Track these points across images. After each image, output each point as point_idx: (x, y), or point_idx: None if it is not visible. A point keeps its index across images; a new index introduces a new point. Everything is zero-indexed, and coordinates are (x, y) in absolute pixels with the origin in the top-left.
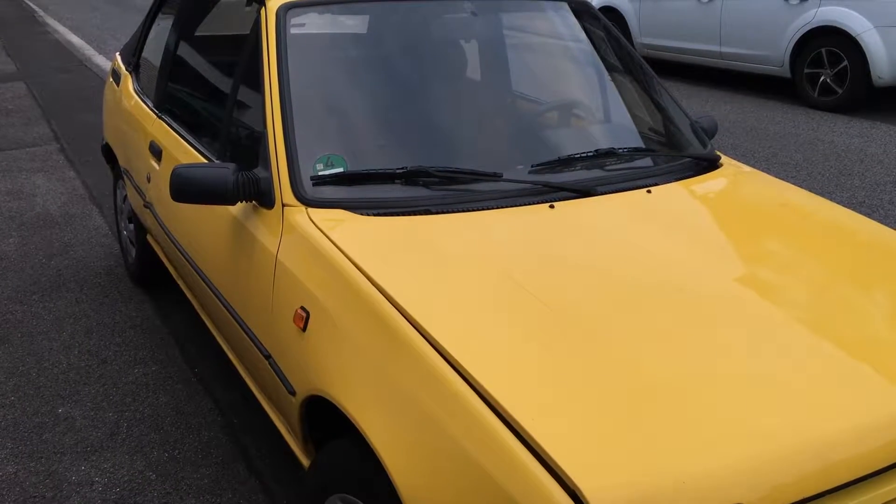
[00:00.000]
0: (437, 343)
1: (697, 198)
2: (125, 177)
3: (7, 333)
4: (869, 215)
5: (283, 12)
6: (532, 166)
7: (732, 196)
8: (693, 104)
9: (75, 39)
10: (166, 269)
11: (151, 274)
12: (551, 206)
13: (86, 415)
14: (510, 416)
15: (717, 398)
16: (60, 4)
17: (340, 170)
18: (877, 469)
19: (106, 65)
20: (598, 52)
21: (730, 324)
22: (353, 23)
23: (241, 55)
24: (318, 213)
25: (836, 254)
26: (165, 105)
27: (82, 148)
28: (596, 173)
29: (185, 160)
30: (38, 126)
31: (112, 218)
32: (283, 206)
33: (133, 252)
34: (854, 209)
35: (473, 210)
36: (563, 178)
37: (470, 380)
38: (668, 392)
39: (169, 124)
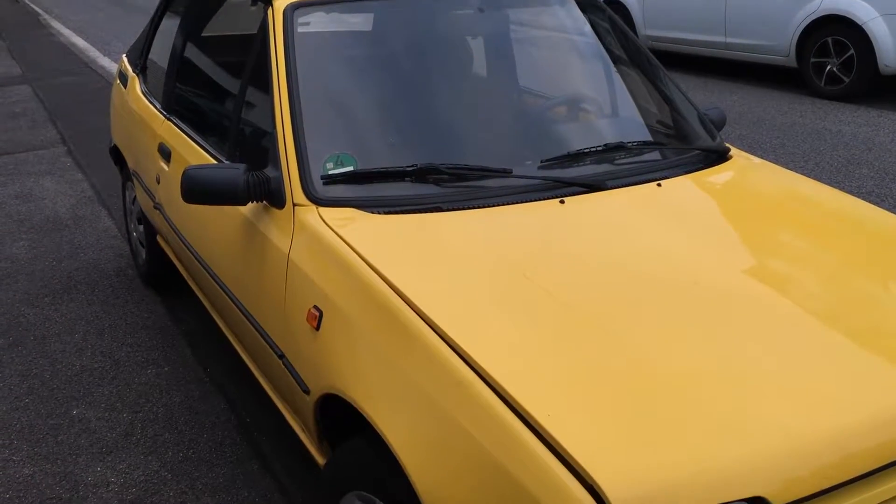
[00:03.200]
0: (451, 339)
1: (708, 190)
2: (134, 178)
3: (20, 336)
4: (878, 204)
5: (290, 11)
6: (541, 161)
7: (743, 188)
8: (699, 95)
9: (79, 41)
10: (177, 269)
11: (162, 275)
12: (562, 202)
13: (100, 416)
14: (526, 411)
15: (732, 391)
16: (64, 7)
17: (350, 168)
18: (894, 460)
19: (110, 66)
20: (605, 45)
21: (744, 316)
22: (357, 20)
23: (249, 55)
24: (329, 212)
25: (848, 244)
26: (173, 106)
27: (89, 150)
28: (605, 167)
29: (194, 161)
30: (45, 129)
31: (121, 219)
32: (294, 205)
33: (143, 253)
34: (863, 198)
35: (484, 206)
36: (573, 172)
37: (484, 376)
38: (683, 386)
39: (177, 125)
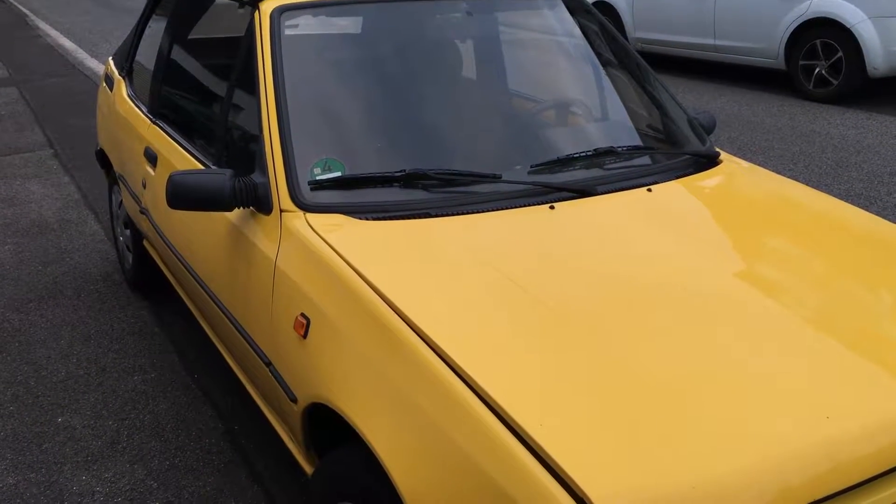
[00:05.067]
0: (440, 348)
1: (698, 195)
2: (120, 182)
3: (4, 342)
4: (866, 207)
5: (277, 15)
6: (531, 167)
7: (733, 193)
8: (688, 98)
9: (67, 43)
10: (164, 275)
11: (149, 280)
12: (551, 207)
13: (86, 423)
14: (514, 421)
15: (723, 400)
16: (51, 8)
17: (338, 174)
18: (888, 468)
19: (98, 68)
20: (594, 48)
21: (735, 323)
22: (346, 23)
23: (236, 58)
24: (317, 219)
25: (838, 250)
26: (160, 110)
27: (76, 153)
28: (595, 172)
29: (180, 166)
30: (32, 131)
31: (108, 223)
32: (281, 211)
33: (130, 258)
34: (851, 201)
35: (473, 212)
36: (563, 178)
37: (473, 385)
38: (674, 395)
39: (164, 129)
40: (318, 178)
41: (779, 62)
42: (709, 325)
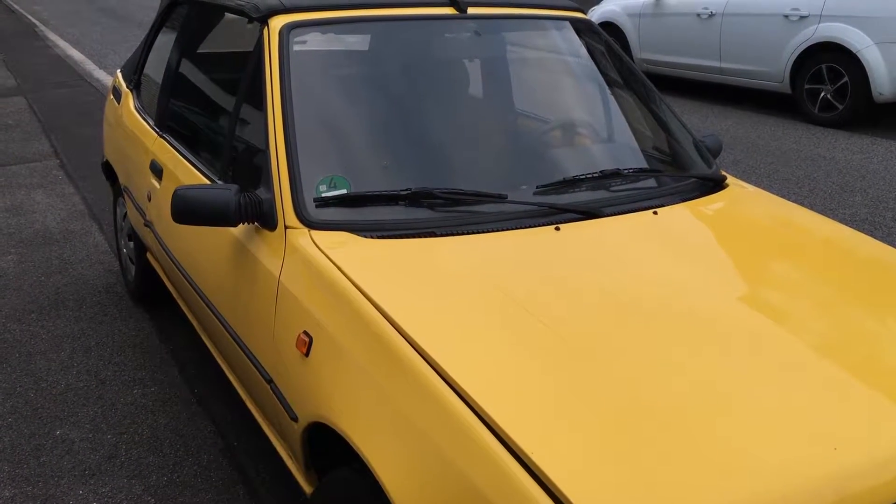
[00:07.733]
0: (442, 370)
1: (704, 219)
2: (125, 194)
3: (5, 353)
4: (871, 232)
5: (286, 31)
6: (537, 187)
7: (739, 217)
8: (693, 120)
9: (75, 54)
10: (166, 287)
11: (151, 292)
12: (557, 229)
13: (84, 437)
14: (516, 444)
15: (727, 429)
16: (61, 19)
17: (344, 191)
18: (895, 501)
19: (106, 79)
20: (601, 69)
21: (741, 350)
22: (354, 40)
23: (244, 74)
24: (322, 236)
25: (844, 276)
26: (167, 123)
27: (82, 163)
28: (601, 194)
29: (186, 180)
30: (38, 141)
31: (112, 235)
32: (286, 228)
33: (133, 270)
34: (856, 226)
35: (478, 232)
36: (569, 199)
37: (475, 407)
38: (677, 422)
39: (170, 143)
40: (323, 195)
41: (784, 86)
42: (714, 351)
